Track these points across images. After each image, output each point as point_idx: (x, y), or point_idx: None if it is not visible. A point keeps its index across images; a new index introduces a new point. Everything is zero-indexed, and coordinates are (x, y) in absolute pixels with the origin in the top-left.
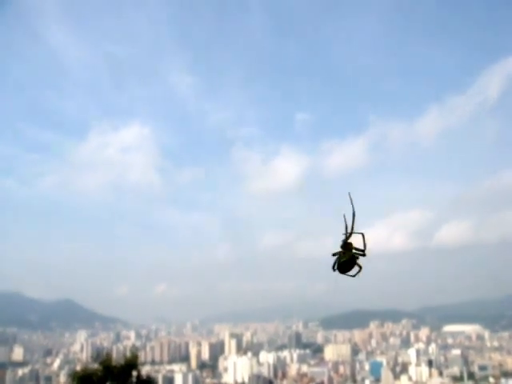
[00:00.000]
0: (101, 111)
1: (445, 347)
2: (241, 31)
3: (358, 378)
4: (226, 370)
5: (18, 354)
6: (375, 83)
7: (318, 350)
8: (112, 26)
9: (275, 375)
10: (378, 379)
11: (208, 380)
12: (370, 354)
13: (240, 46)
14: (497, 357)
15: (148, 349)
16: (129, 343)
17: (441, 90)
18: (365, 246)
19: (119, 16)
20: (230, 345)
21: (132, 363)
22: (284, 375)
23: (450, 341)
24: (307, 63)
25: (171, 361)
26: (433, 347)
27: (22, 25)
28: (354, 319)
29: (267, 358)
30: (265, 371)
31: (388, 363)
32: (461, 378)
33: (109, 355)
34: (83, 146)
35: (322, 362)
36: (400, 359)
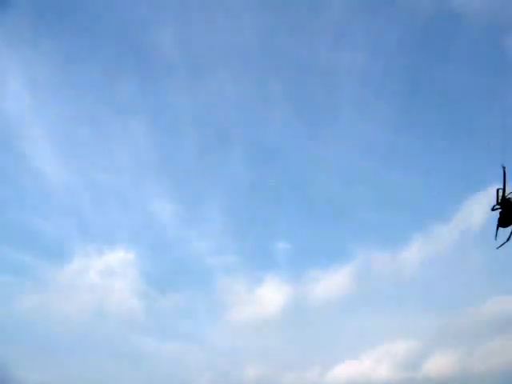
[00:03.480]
0: (84, 235)
1: None
2: (221, 163)
3: None
4: None
5: None
6: (357, 212)
7: None
8: (97, 154)
9: None
10: None
11: None
12: None
13: (220, 176)
14: None
15: None
16: None
17: (424, 219)
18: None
19: (104, 145)
20: None
21: None
22: None
23: None
24: (285, 193)
25: None
26: None
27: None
28: None
29: None
30: None
31: None
32: None
33: None
34: (65, 270)
35: None
36: None
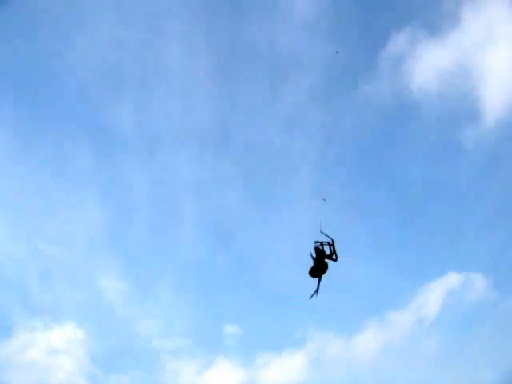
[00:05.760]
0: (29, 309)
1: None
2: (173, 241)
3: None
4: None
5: None
6: (311, 302)
7: None
8: (46, 226)
9: None
10: None
11: None
12: None
13: (172, 255)
14: None
15: None
16: None
17: (379, 306)
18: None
19: (54, 218)
20: None
21: None
22: None
23: None
24: (237, 275)
25: None
26: None
27: None
28: None
29: None
30: None
31: None
32: None
33: None
34: (4, 345)
35: None
36: None
